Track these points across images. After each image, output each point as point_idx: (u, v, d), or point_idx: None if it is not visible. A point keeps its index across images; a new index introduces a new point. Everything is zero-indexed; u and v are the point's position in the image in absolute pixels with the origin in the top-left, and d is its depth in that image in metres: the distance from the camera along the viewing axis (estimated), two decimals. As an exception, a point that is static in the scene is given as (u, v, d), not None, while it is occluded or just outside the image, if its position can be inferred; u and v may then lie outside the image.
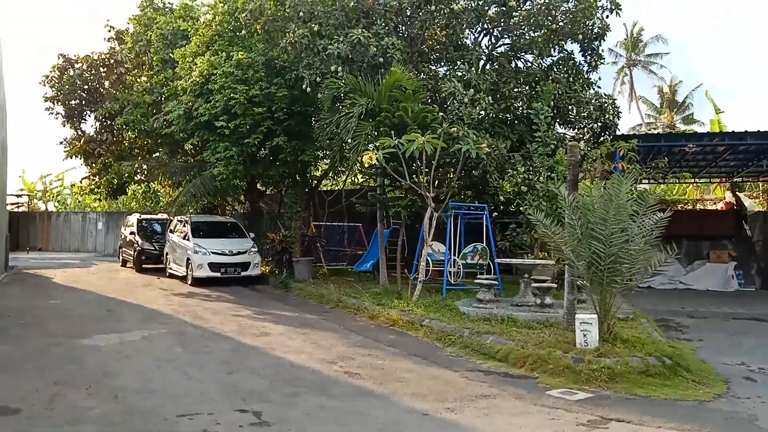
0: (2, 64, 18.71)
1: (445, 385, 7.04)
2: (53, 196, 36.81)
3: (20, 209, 34.68)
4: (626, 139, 13.64)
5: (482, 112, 13.34)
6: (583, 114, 14.68)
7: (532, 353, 8.01)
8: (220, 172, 15.26)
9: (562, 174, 11.91)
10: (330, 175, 20.78)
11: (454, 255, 13.35)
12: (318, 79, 13.82)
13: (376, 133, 12.42)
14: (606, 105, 14.92)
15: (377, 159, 11.03)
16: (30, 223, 33.35)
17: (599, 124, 14.90)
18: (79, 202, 36.14)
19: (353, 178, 22.27)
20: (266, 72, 15.35)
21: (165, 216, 22.61)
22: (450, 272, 13.10)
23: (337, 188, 22.20)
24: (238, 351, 8.52)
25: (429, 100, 13.18)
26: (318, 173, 20.90)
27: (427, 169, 11.85)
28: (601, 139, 14.75)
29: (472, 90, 13.24)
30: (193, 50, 16.69)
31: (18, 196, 34.82)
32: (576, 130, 15.31)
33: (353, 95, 12.54)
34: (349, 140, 12.69)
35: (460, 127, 12.18)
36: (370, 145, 12.16)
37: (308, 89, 13.95)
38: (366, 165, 12.19)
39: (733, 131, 16.34)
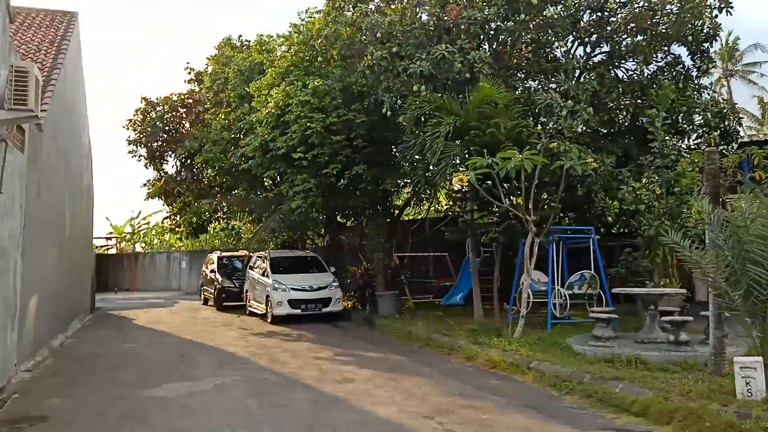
0: (87, 111, 19.04)
1: (575, 452, 5.59)
2: (140, 238, 37.81)
3: (109, 251, 35.74)
4: (760, 145, 11.73)
5: (582, 126, 11.88)
6: (699, 122, 12.88)
7: (681, 407, 6.38)
8: (298, 205, 14.49)
9: (687, 188, 10.22)
10: (412, 203, 19.67)
11: (558, 284, 11.79)
12: (398, 101, 12.89)
13: (465, 154, 11.22)
14: (726, 111, 13.09)
15: (468, 181, 9.78)
16: (118, 265, 34.21)
17: (718, 132, 13.04)
18: (163, 242, 36.87)
19: (436, 206, 21.09)
20: (344, 99, 14.60)
21: (245, 253, 22.22)
22: (554, 304, 11.54)
23: (420, 217, 21.02)
24: (318, 403, 7.37)
25: (522, 115, 11.88)
26: (399, 202, 19.85)
27: (526, 190, 10.48)
28: (720, 148, 12.87)
29: (570, 101, 11.82)
30: (268, 82, 16.24)
31: (107, 239, 35.98)
32: (691, 140, 13.49)
33: (438, 114, 11.46)
34: (435, 163, 11.53)
35: (560, 142, 10.77)
36: (460, 167, 10.96)
37: (388, 113, 13.01)
38: (454, 189, 10.99)
39: None
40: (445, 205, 21.71)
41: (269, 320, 15.73)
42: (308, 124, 14.10)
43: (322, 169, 14.25)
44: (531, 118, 12.58)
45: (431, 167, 12.07)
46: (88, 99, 19.17)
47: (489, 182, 10.79)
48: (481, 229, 13.02)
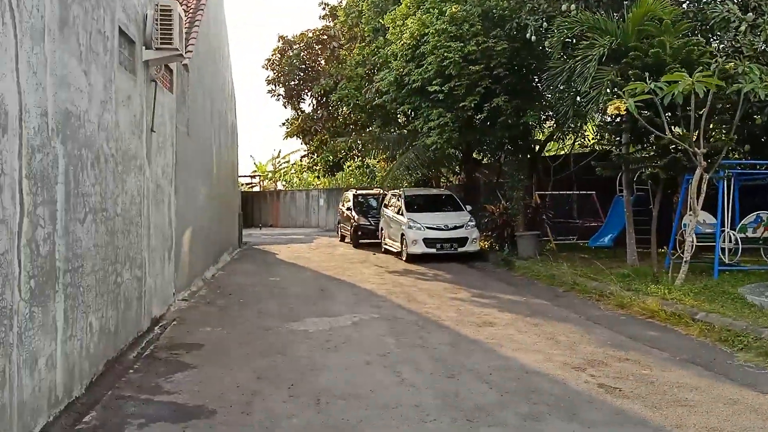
0: (229, 52, 19.62)
1: (756, 417, 4.81)
2: (281, 176, 39.52)
3: (253, 189, 37.77)
4: None
5: (765, 43, 10.11)
6: None
7: None
8: (433, 141, 13.99)
9: None
10: (555, 137, 18.38)
11: (728, 227, 10.42)
12: (544, 24, 11.75)
13: (620, 79, 10.01)
14: None
15: (627, 108, 8.68)
16: (262, 202, 36.12)
17: None
18: (302, 181, 38.26)
19: (581, 140, 19.61)
20: (483, 25, 13.66)
21: (380, 191, 22.29)
22: (722, 249, 10.24)
23: (563, 153, 19.68)
24: (457, 346, 7.07)
25: (692, 32, 10.34)
26: (541, 137, 18.65)
27: (695, 119, 9.17)
28: None
29: (751, 14, 10.07)
30: (403, 12, 15.59)
31: (252, 177, 37.97)
32: None
33: (591, 36, 10.28)
34: (585, 91, 10.43)
35: (738, 62, 9.23)
36: (614, 94, 9.81)
37: (532, 38, 11.98)
38: (606, 120, 9.89)
39: None
40: (592, 139, 20.13)
41: (404, 258, 15.68)
42: (445, 54, 13.36)
43: (459, 102, 13.57)
44: (702, 35, 10.94)
45: (580, 96, 10.97)
46: (230, 39, 19.74)
47: (647, 112, 9.59)
48: (636, 164, 11.74)
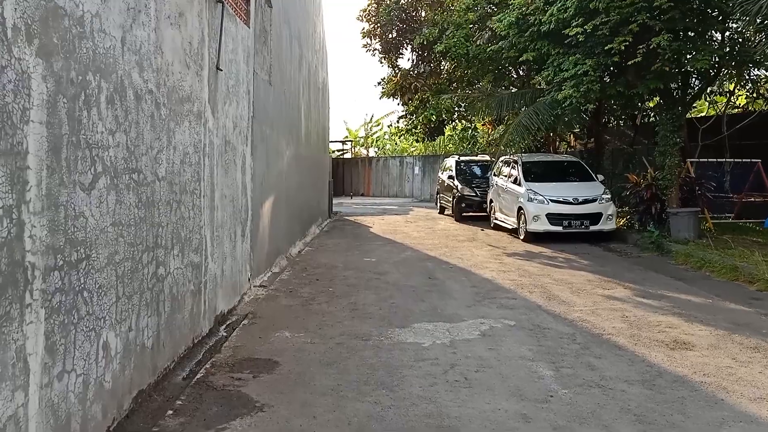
0: (321, 5, 17.49)
1: None
2: (373, 142, 37.41)
3: (345, 155, 35.96)
4: None
5: None
6: None
7: None
8: (567, 95, 11.17)
9: None
10: (708, 93, 14.89)
11: None
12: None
13: None
14: None
15: None
16: (353, 169, 34.30)
17: None
18: (396, 145, 35.97)
19: (735, 99, 16.10)
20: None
21: (486, 158, 19.71)
22: None
23: (714, 113, 16.23)
24: (657, 389, 4.57)
25: None
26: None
27: None
28: None
29: None
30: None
31: (343, 143, 36.12)
32: None
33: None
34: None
35: None
36: None
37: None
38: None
39: None
40: (746, 98, 16.63)
41: (521, 237, 13.16)
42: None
43: (603, 45, 10.68)
44: None
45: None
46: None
47: None
48: None
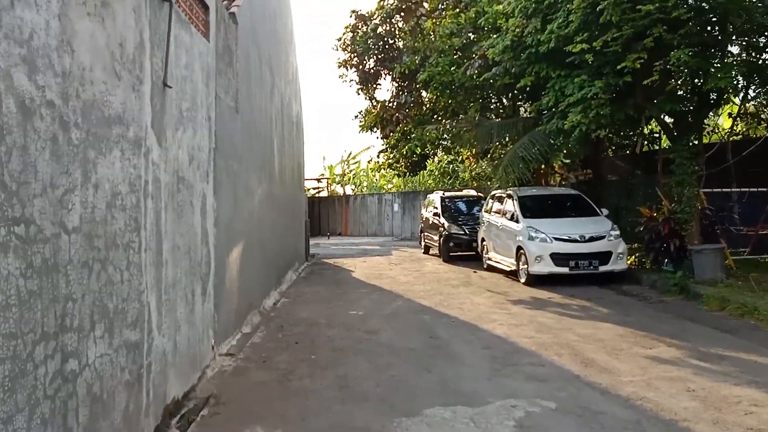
0: (293, 29, 16.35)
1: None
2: (350, 179, 36.04)
3: (321, 193, 34.50)
4: None
5: None
6: None
7: None
8: (575, 122, 9.94)
9: None
10: (715, 114, 13.89)
11: None
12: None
13: None
14: None
15: None
16: (330, 208, 32.83)
17: None
18: (372, 184, 34.67)
19: (737, 124, 15.17)
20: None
21: (473, 193, 18.50)
22: None
23: (718, 139, 15.27)
24: None
25: None
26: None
27: None
28: None
29: None
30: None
31: (318, 180, 34.70)
32: None
33: None
34: None
35: None
36: None
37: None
38: None
39: None
40: (746, 124, 15.79)
41: (522, 280, 11.80)
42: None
43: (614, 63, 9.54)
44: None
45: None
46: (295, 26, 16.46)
47: None
48: None
